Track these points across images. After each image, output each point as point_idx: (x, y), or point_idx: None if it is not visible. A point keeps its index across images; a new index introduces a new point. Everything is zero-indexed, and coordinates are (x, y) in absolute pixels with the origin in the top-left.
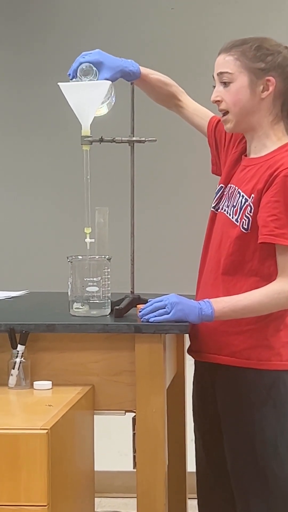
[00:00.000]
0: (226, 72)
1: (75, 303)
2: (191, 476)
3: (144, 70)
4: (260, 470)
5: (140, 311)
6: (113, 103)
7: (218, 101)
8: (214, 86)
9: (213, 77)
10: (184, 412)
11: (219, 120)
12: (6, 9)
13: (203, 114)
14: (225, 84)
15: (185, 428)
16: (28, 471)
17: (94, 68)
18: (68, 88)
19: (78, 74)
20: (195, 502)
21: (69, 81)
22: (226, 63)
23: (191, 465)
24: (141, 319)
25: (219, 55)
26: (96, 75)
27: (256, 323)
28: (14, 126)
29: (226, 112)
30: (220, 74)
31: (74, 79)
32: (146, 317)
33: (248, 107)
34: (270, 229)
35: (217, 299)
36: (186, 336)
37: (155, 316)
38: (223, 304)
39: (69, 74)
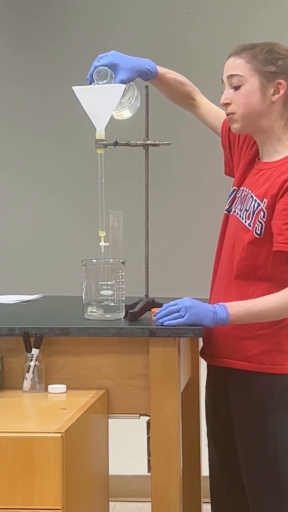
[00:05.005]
0: (237, 75)
1: (89, 307)
2: (206, 480)
3: (161, 69)
4: (274, 476)
5: (154, 315)
6: (138, 106)
7: (227, 103)
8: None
9: (222, 81)
10: (198, 416)
11: None
12: (23, 11)
13: (217, 114)
14: (236, 87)
15: (200, 432)
16: (42, 475)
17: (110, 71)
18: (81, 92)
19: (94, 78)
20: (209, 506)
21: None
22: (236, 65)
23: (205, 469)
24: (155, 323)
25: (229, 58)
26: (113, 77)
27: (269, 328)
28: (30, 130)
29: (233, 113)
30: (231, 76)
31: (92, 84)
32: (160, 320)
33: (258, 110)
34: (286, 237)
35: (232, 303)
36: (201, 339)
37: (169, 320)
38: (238, 308)
39: (88, 79)
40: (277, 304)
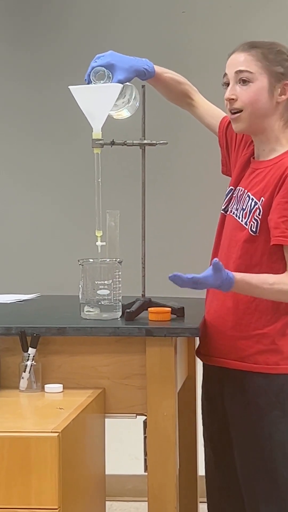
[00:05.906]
0: (247, 71)
1: (86, 306)
2: (203, 479)
3: (158, 69)
4: (270, 475)
5: (175, 275)
6: (137, 106)
7: (233, 99)
8: (225, 84)
9: (224, 76)
10: (195, 416)
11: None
12: (23, 11)
13: (215, 114)
14: (244, 82)
15: (196, 432)
16: (39, 474)
17: (107, 72)
18: (78, 91)
19: (92, 79)
20: (206, 505)
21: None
22: (246, 62)
23: (202, 469)
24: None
25: (235, 53)
26: (110, 78)
27: (264, 328)
28: (29, 130)
29: (239, 111)
30: (239, 72)
31: (90, 84)
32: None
33: (264, 109)
34: (282, 230)
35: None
36: (197, 339)
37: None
38: (242, 274)
39: (85, 79)
40: (280, 284)
